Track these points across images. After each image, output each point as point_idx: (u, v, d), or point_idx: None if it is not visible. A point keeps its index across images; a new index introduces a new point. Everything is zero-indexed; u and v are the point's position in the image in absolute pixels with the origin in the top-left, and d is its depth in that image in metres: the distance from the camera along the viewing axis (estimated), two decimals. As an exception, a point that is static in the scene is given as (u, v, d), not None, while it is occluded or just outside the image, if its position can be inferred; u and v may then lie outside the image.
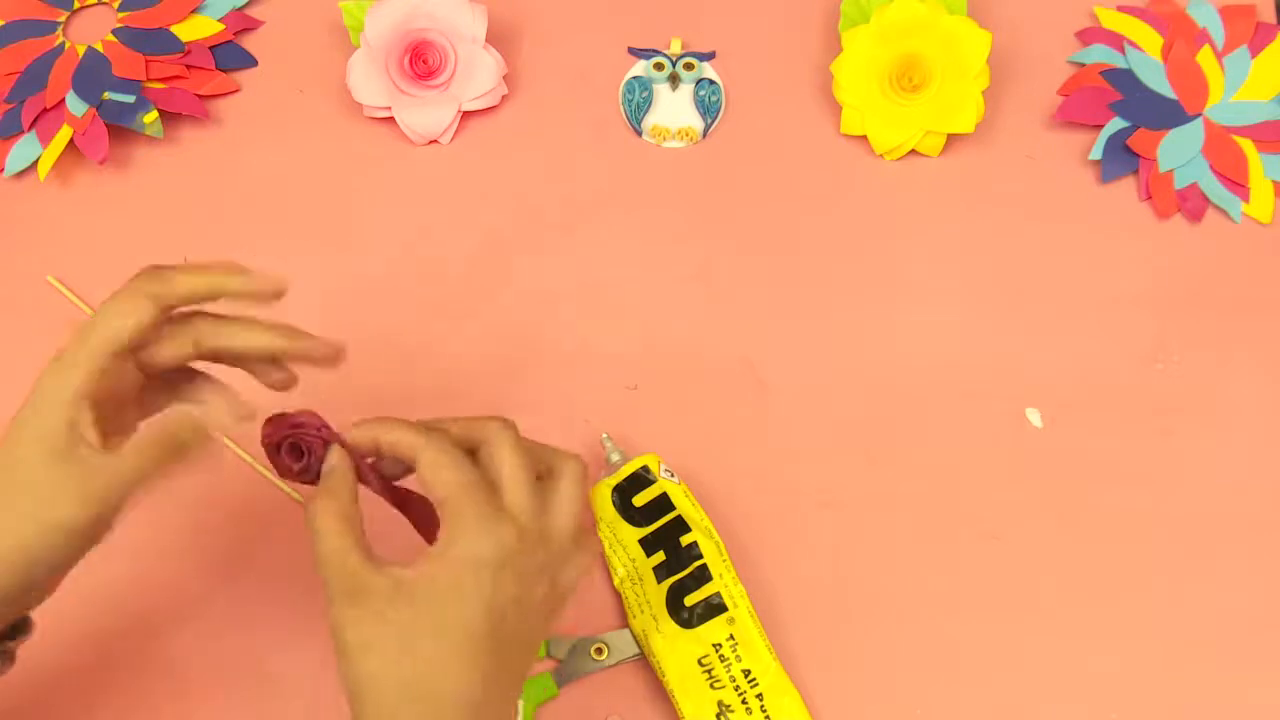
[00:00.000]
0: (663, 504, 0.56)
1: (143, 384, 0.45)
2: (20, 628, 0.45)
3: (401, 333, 0.64)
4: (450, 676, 0.41)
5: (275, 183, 0.69)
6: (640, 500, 0.57)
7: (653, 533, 0.56)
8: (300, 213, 0.68)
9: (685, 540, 0.55)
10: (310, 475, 0.45)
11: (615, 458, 0.58)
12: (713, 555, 0.55)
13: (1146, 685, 0.56)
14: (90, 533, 0.41)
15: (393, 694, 0.40)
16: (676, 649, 0.54)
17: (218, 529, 0.59)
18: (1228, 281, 0.65)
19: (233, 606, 0.57)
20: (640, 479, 0.57)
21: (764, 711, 0.53)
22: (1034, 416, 0.62)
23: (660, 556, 0.55)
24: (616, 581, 0.57)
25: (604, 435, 0.59)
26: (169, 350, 0.44)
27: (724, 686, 0.53)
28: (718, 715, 0.53)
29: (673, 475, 0.57)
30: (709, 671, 0.53)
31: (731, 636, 0.54)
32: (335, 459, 0.44)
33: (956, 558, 0.58)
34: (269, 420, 0.46)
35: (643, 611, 0.55)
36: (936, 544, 0.59)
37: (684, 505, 0.56)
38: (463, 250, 0.67)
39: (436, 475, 0.43)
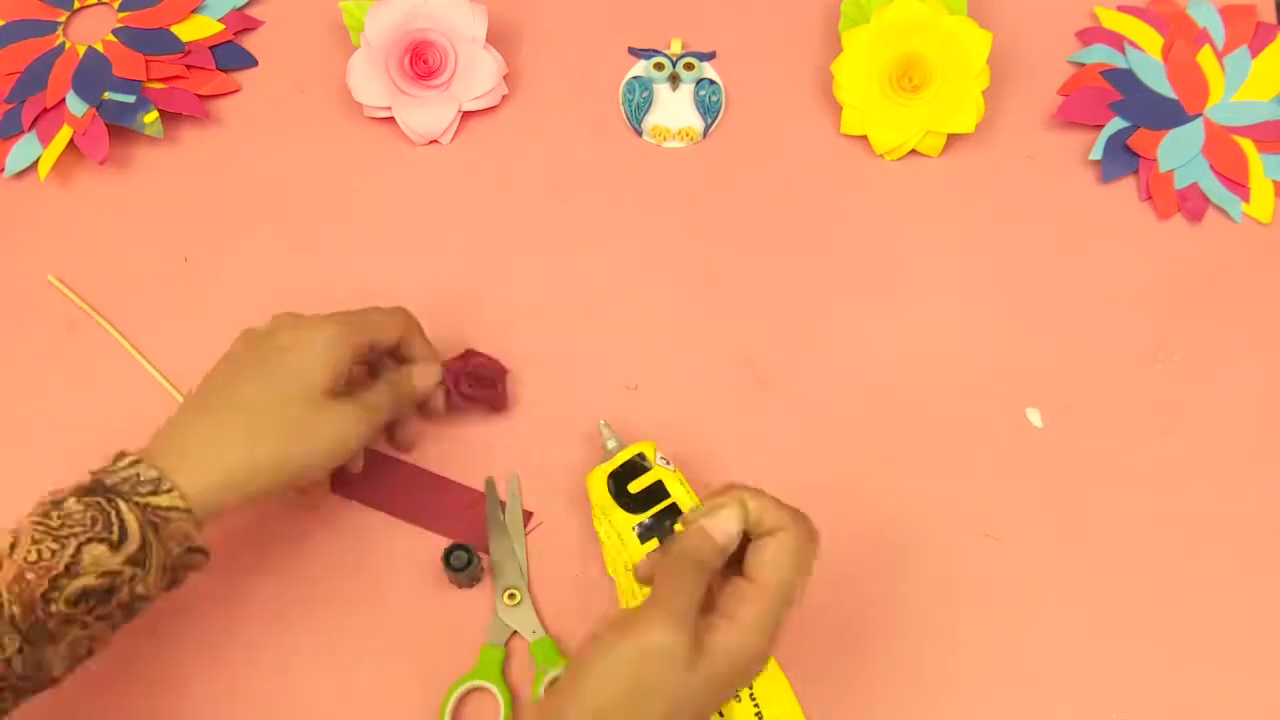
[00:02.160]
0: (657, 491, 0.56)
1: None
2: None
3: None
4: None
5: (275, 183, 0.69)
6: (635, 487, 0.57)
7: (647, 519, 0.56)
8: (300, 213, 0.68)
9: (679, 527, 0.55)
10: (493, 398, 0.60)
11: (611, 444, 0.58)
12: None
13: (1146, 685, 0.56)
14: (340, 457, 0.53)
15: None
16: None
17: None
18: (1228, 281, 0.65)
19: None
20: (635, 466, 0.57)
21: (753, 699, 0.53)
22: (1034, 416, 0.62)
23: (654, 543, 0.56)
24: (610, 568, 0.57)
25: (601, 421, 0.59)
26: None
27: None
28: None
29: (668, 463, 0.57)
30: None
31: None
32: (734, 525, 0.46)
33: (956, 557, 0.58)
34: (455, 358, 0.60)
35: (635, 598, 0.55)
36: (936, 543, 0.59)
37: (678, 492, 0.57)
38: (462, 250, 0.67)
39: (780, 559, 0.45)
